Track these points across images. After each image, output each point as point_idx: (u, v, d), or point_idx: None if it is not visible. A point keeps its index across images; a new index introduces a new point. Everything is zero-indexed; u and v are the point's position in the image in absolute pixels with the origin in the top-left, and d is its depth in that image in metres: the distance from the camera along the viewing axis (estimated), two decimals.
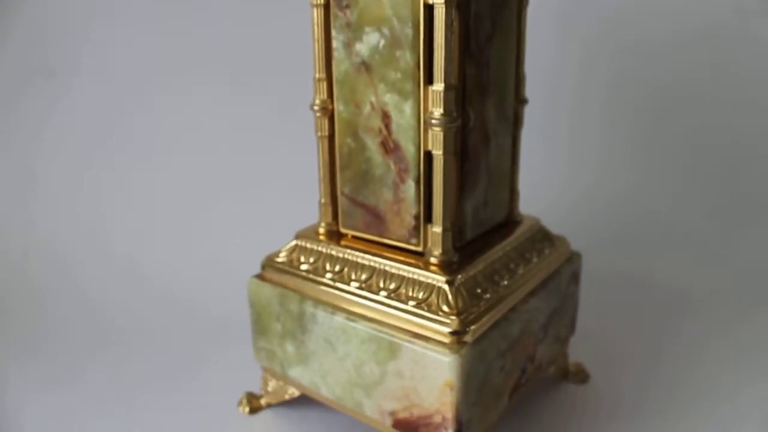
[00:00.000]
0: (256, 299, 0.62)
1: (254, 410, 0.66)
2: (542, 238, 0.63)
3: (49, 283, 0.92)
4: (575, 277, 0.65)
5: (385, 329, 0.53)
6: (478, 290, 0.54)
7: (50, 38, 1.03)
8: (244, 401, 0.67)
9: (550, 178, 0.97)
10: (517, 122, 0.61)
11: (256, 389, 0.68)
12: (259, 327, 0.62)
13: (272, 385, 0.65)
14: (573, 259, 0.65)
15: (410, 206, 0.55)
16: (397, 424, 0.55)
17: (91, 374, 0.72)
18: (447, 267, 0.54)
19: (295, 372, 0.61)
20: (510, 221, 0.63)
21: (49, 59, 1.02)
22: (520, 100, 0.61)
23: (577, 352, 0.73)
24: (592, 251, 0.81)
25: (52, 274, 0.93)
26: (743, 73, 1.01)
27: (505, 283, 0.56)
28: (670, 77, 1.02)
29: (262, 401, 0.67)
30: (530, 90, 0.64)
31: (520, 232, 0.62)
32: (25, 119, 1.03)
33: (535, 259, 0.60)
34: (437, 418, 0.52)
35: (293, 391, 0.64)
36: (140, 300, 0.89)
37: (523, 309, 0.57)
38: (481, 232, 0.59)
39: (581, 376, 0.70)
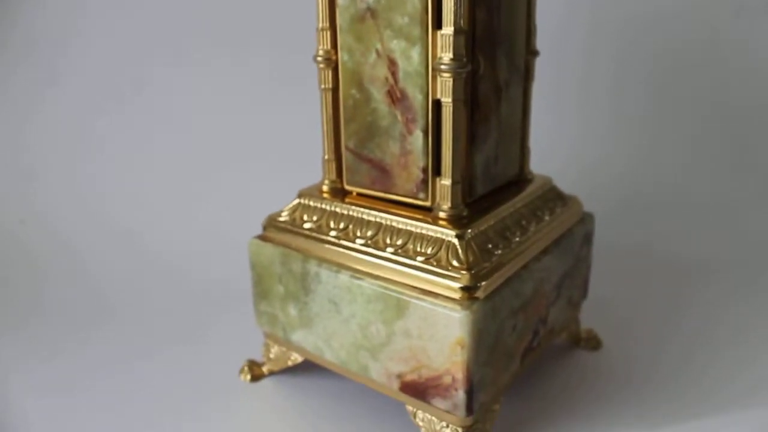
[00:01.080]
0: (257, 260, 0.58)
1: (256, 378, 0.62)
2: (554, 197, 0.60)
3: (45, 251, 0.88)
4: (588, 239, 0.62)
5: (392, 287, 0.50)
6: (489, 246, 0.51)
7: (49, 1, 1.00)
8: (246, 369, 0.63)
9: (557, 148, 0.93)
10: (528, 75, 0.58)
11: (258, 357, 0.65)
12: (261, 290, 0.59)
13: (274, 351, 0.62)
14: (586, 219, 0.61)
15: (418, 158, 0.51)
16: (405, 387, 0.51)
17: (90, 345, 0.69)
18: (456, 222, 0.51)
19: (298, 336, 0.57)
20: (521, 179, 0.60)
21: (48, 25, 0.98)
22: (532, 52, 0.57)
23: (590, 319, 0.69)
24: (603, 220, 0.77)
25: (49, 243, 0.90)
26: (756, 40, 0.98)
27: (517, 239, 0.53)
28: (682, 41, 0.98)
29: (264, 369, 0.63)
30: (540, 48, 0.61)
31: (531, 189, 0.58)
32: (21, 88, 1.00)
33: (547, 217, 0.57)
34: (447, 379, 0.49)
35: (296, 357, 0.60)
36: (138, 268, 0.85)
37: (535, 267, 0.53)
38: (492, 188, 0.56)
39: (593, 342, 0.66)
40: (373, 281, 0.50)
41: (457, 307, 0.46)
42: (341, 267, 0.53)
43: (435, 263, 0.49)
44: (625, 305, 0.75)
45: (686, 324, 0.71)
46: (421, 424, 0.52)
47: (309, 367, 0.63)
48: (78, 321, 0.74)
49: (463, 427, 0.50)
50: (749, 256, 0.86)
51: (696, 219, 0.94)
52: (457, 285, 0.47)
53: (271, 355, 0.62)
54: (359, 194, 0.56)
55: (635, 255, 0.86)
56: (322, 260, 0.54)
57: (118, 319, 0.75)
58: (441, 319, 0.47)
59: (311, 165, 0.69)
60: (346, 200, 0.56)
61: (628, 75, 1.01)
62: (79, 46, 1.00)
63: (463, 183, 0.51)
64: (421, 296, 0.48)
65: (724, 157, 0.99)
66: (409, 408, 0.53)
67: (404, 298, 0.49)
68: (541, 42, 0.60)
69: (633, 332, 0.69)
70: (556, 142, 0.94)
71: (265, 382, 0.62)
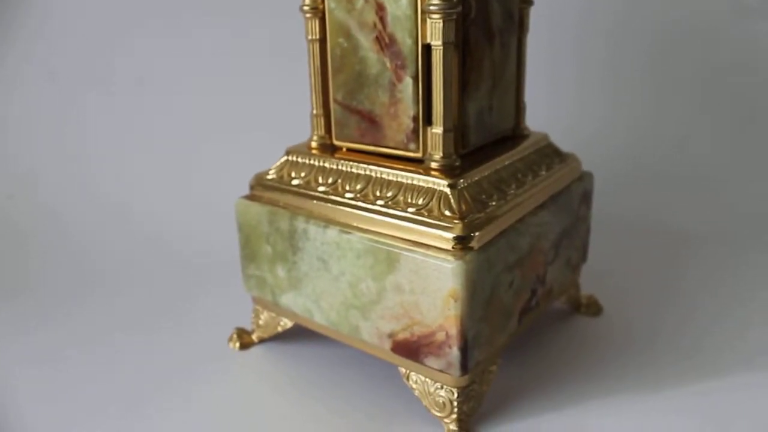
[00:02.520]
0: (244, 221, 0.55)
1: (245, 346, 0.59)
2: (551, 153, 0.56)
3: (33, 224, 0.85)
4: (587, 198, 0.58)
5: (383, 240, 0.46)
6: (483, 196, 0.47)
7: None
8: (235, 337, 0.59)
9: (555, 120, 0.89)
10: (522, 25, 0.54)
11: (248, 325, 0.61)
12: (248, 252, 0.55)
13: (263, 317, 0.58)
14: (584, 177, 0.58)
15: (408, 107, 0.48)
16: (397, 346, 0.48)
17: (76, 316, 0.65)
18: (449, 172, 0.47)
19: (287, 299, 0.54)
20: (516, 134, 0.57)
21: None
22: (526, 0, 0.54)
23: (590, 286, 0.66)
24: (602, 189, 0.74)
25: (37, 216, 0.86)
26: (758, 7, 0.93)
27: (513, 191, 0.49)
28: (683, 11, 0.94)
29: (254, 336, 0.60)
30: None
31: (527, 144, 0.55)
32: (8, 57, 0.96)
33: (544, 172, 0.53)
34: (440, 336, 0.45)
35: (285, 322, 0.57)
36: (124, 238, 0.82)
37: (532, 222, 0.50)
38: (486, 140, 0.52)
39: (594, 308, 0.62)
40: (362, 235, 0.47)
41: (450, 258, 0.43)
42: (329, 222, 0.49)
43: (426, 214, 0.45)
44: (625, 273, 0.71)
45: (685, 291, 0.67)
46: (414, 386, 0.49)
47: (299, 334, 0.60)
48: (62, 293, 0.71)
49: (458, 388, 0.46)
50: (745, 226, 0.82)
51: (694, 189, 0.90)
52: (449, 235, 0.44)
53: (261, 322, 0.58)
54: (349, 150, 0.53)
55: (635, 224, 0.82)
56: (309, 216, 0.50)
57: (105, 290, 0.71)
58: (433, 270, 0.43)
59: (298, 132, 0.65)
60: (336, 156, 0.52)
61: (627, 43, 0.96)
62: (68, 14, 0.96)
63: (456, 132, 0.48)
64: (412, 248, 0.44)
65: (723, 127, 0.95)
66: (402, 370, 0.49)
67: (394, 250, 0.45)
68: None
69: (633, 299, 0.65)
70: (552, 113, 0.90)
71: (254, 350, 0.58)
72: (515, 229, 0.48)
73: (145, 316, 0.65)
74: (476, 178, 0.47)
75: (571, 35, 0.97)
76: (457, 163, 0.47)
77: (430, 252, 0.44)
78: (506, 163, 0.51)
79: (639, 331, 0.60)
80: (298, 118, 0.72)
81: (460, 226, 0.44)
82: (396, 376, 0.53)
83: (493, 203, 0.47)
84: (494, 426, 0.49)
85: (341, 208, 0.49)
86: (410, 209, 0.46)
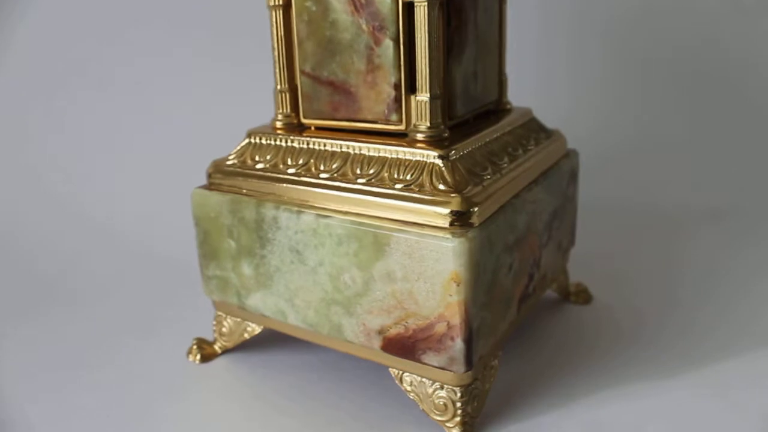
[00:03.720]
0: (202, 213, 0.47)
1: (207, 358, 0.50)
2: (537, 128, 0.51)
3: None
4: (574, 177, 0.54)
5: (368, 222, 0.39)
6: (477, 169, 0.42)
7: None
8: (194, 349, 0.51)
9: (528, 97, 0.85)
10: None
11: (209, 335, 0.53)
12: (208, 250, 0.47)
13: (227, 324, 0.50)
14: (571, 155, 0.53)
15: (388, 73, 0.42)
16: (388, 344, 0.41)
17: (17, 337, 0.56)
18: (437, 144, 0.41)
19: (254, 300, 0.46)
20: (499, 109, 0.52)
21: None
22: None
23: (577, 274, 0.60)
24: (587, 174, 0.70)
25: None
26: None
27: (506, 165, 0.44)
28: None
29: (216, 346, 0.51)
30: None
31: (512, 118, 0.49)
32: None
33: (533, 147, 0.48)
34: (440, 327, 0.38)
35: (253, 328, 0.49)
36: (70, 234, 0.73)
37: (527, 198, 0.44)
38: (472, 112, 0.46)
39: (584, 296, 0.57)
40: (343, 218, 0.40)
41: (449, 236, 0.37)
42: (303, 206, 0.42)
43: (417, 189, 0.39)
44: (611, 258, 0.66)
45: (675, 276, 0.63)
46: (409, 389, 0.42)
47: (269, 340, 0.52)
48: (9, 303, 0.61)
49: (461, 387, 0.40)
50: (739, 207, 0.79)
51: (680, 170, 0.87)
52: (445, 210, 0.38)
53: (224, 329, 0.50)
54: (318, 128, 0.46)
55: (617, 208, 0.78)
56: (279, 202, 0.43)
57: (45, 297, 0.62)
58: (430, 252, 0.37)
59: (255, 116, 0.58)
60: (304, 135, 0.46)
61: (621, 21, 0.92)
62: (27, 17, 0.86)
63: (443, 101, 0.42)
64: (403, 228, 0.38)
65: (712, 105, 0.92)
66: (394, 371, 0.42)
67: (383, 233, 0.38)
68: None
69: (622, 285, 0.60)
70: (524, 89, 0.86)
71: (218, 362, 0.50)
72: (512, 205, 0.42)
73: (95, 329, 0.56)
74: (468, 150, 0.42)
75: (562, 24, 0.93)
76: (446, 134, 0.42)
77: (425, 231, 0.38)
78: (495, 136, 0.45)
79: (631, 318, 0.55)
80: (252, 102, 0.65)
81: (458, 199, 0.38)
82: (384, 379, 0.46)
83: (488, 177, 0.41)
84: (500, 427, 0.42)
85: (316, 190, 0.42)
86: (397, 186, 0.40)
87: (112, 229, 0.74)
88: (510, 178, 0.43)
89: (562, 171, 0.50)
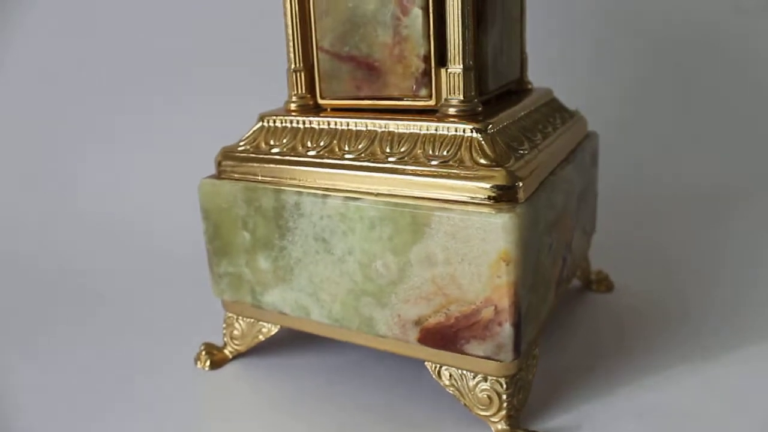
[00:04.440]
0: (211, 205, 0.43)
1: (217, 364, 0.46)
2: (559, 107, 0.49)
3: None
4: (594, 159, 0.51)
5: (404, 202, 0.36)
6: (515, 144, 0.39)
7: None
8: (203, 355, 0.46)
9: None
10: None
11: (217, 340, 0.48)
12: (219, 245, 0.43)
13: (239, 326, 0.46)
14: (591, 137, 0.51)
15: (417, 45, 0.39)
16: (426, 336, 0.37)
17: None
18: (471, 119, 0.38)
19: (272, 297, 0.42)
20: (521, 88, 0.49)
21: None
22: None
23: (597, 262, 0.58)
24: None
25: None
26: None
27: (540, 141, 0.42)
28: None
29: (227, 351, 0.47)
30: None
31: (536, 97, 0.47)
32: None
33: (559, 126, 0.46)
34: (487, 312, 0.35)
35: (269, 328, 0.45)
36: (71, 236, 0.67)
37: (562, 176, 0.41)
38: (499, 88, 0.44)
39: (606, 284, 0.55)
40: (376, 199, 0.37)
41: (495, 212, 0.34)
42: (329, 190, 0.39)
43: (456, 165, 0.36)
44: (629, 245, 0.64)
45: (696, 263, 0.60)
46: (448, 383, 0.38)
47: (284, 343, 0.48)
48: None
49: (506, 377, 0.37)
50: (756, 188, 0.77)
51: (696, 153, 0.84)
52: (490, 186, 0.35)
53: (235, 332, 0.46)
54: (335, 109, 0.43)
55: (638, 195, 0.77)
56: (301, 187, 0.40)
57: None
58: (477, 230, 0.34)
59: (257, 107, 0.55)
60: (322, 116, 0.42)
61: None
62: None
63: (475, 73, 0.40)
64: (445, 206, 0.35)
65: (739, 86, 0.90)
66: (431, 365, 0.39)
67: (422, 212, 0.35)
68: None
69: (641, 272, 0.58)
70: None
71: (229, 368, 0.46)
72: (551, 182, 0.39)
73: (96, 334, 0.51)
74: (504, 124, 0.39)
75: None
76: (479, 108, 0.39)
77: (469, 208, 0.35)
78: (525, 112, 0.43)
79: (655, 304, 0.53)
80: (252, 94, 0.61)
81: (502, 173, 0.35)
82: (414, 377, 0.43)
83: (525, 151, 0.39)
84: (547, 419, 0.39)
85: (343, 171, 0.38)
86: (433, 162, 0.37)
87: (112, 229, 0.70)
88: (547, 154, 0.40)
89: (586, 152, 0.48)
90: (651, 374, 0.43)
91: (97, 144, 0.80)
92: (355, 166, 0.38)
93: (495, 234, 0.34)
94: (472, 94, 0.38)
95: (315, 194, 0.38)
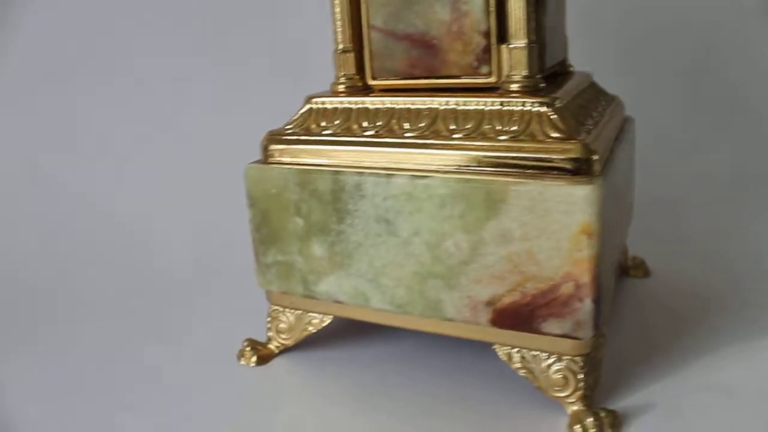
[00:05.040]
0: (259, 192, 0.40)
1: (264, 359, 0.43)
2: (600, 90, 0.48)
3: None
4: (632, 144, 0.51)
5: (476, 177, 0.35)
6: (581, 118, 0.38)
7: None
8: (247, 351, 0.44)
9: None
10: None
11: (259, 336, 0.46)
12: (267, 233, 0.41)
13: (287, 319, 0.44)
14: (630, 121, 0.51)
15: (477, 21, 0.38)
16: (499, 317, 0.36)
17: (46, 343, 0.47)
18: (536, 93, 0.37)
19: (327, 285, 0.40)
20: (564, 71, 0.49)
21: None
22: None
23: (635, 248, 0.57)
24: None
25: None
26: None
27: (597, 117, 0.41)
28: None
29: (272, 345, 0.45)
30: None
31: (581, 79, 0.46)
32: None
33: (605, 107, 0.46)
34: (567, 288, 0.34)
35: (321, 319, 0.43)
36: (102, 240, 0.64)
37: (618, 155, 0.41)
38: (551, 68, 0.43)
39: (642, 270, 0.55)
40: (446, 176, 0.36)
41: (575, 184, 0.33)
42: (393, 170, 0.37)
43: (528, 139, 0.35)
44: (661, 231, 0.63)
45: (734, 250, 0.59)
46: (519, 365, 0.37)
47: (333, 337, 0.46)
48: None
49: (582, 356, 0.36)
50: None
51: (724, 136, 0.81)
52: (563, 157, 0.34)
53: (282, 325, 0.44)
54: (384, 90, 0.41)
55: (675, 182, 0.75)
56: (361, 168, 0.38)
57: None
58: (557, 203, 0.33)
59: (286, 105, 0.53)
60: (372, 96, 0.41)
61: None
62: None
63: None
64: (521, 180, 0.34)
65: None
66: (502, 349, 0.37)
67: (498, 187, 0.34)
68: None
69: (675, 256, 0.58)
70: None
71: (276, 363, 0.43)
72: (612, 159, 0.39)
73: (133, 342, 0.48)
74: (568, 99, 0.38)
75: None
76: (542, 84, 0.38)
77: (547, 181, 0.34)
78: (579, 90, 0.42)
79: (693, 288, 0.52)
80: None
81: (578, 146, 0.34)
82: (475, 364, 0.41)
83: (590, 126, 0.38)
84: (620, 399, 0.38)
85: (407, 150, 0.37)
86: (502, 137, 0.36)
87: (137, 235, 0.66)
88: (608, 130, 0.40)
89: (629, 135, 0.48)
90: (711, 353, 0.42)
91: (97, 143, 0.76)
92: (420, 144, 0.37)
93: (577, 206, 0.33)
94: (536, 69, 0.37)
95: (378, 174, 0.37)
